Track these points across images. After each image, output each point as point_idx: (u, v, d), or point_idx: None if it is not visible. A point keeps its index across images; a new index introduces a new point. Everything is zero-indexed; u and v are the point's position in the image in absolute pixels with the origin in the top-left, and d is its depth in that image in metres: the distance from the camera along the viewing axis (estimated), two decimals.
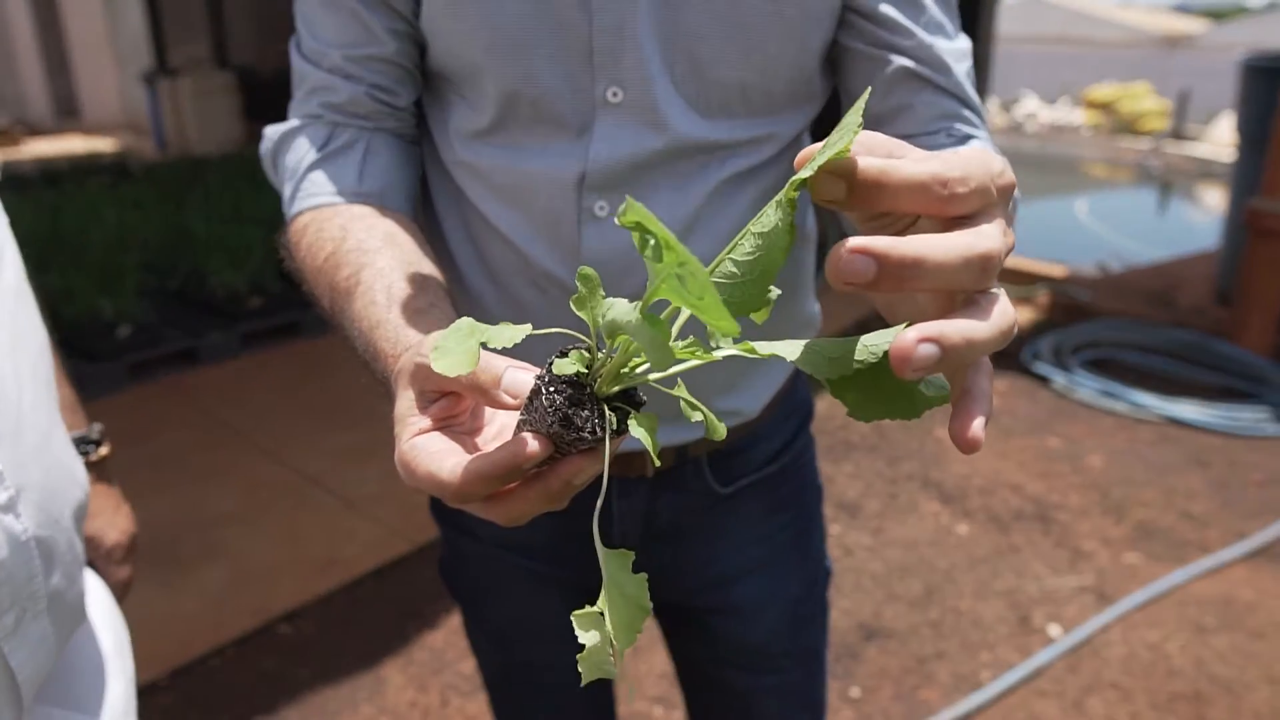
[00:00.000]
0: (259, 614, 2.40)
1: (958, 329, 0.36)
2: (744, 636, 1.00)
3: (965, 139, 0.80)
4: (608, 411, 0.44)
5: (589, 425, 0.44)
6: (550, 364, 0.45)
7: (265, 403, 3.63)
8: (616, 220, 0.37)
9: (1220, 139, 10.81)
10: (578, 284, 0.44)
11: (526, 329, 0.45)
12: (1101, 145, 11.75)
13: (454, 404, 0.52)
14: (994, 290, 0.39)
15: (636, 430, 0.43)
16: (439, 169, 0.88)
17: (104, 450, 0.94)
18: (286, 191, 0.82)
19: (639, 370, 0.44)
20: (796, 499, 1.03)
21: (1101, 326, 4.32)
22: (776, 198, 0.40)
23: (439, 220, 0.89)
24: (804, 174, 0.38)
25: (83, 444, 0.92)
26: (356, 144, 0.82)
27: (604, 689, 1.13)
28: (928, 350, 0.36)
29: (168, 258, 4.57)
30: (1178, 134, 11.73)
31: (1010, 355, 4.10)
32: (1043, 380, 3.91)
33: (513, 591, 1.00)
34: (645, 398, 0.46)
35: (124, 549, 0.97)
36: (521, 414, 0.46)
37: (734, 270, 0.40)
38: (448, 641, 2.33)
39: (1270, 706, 2.10)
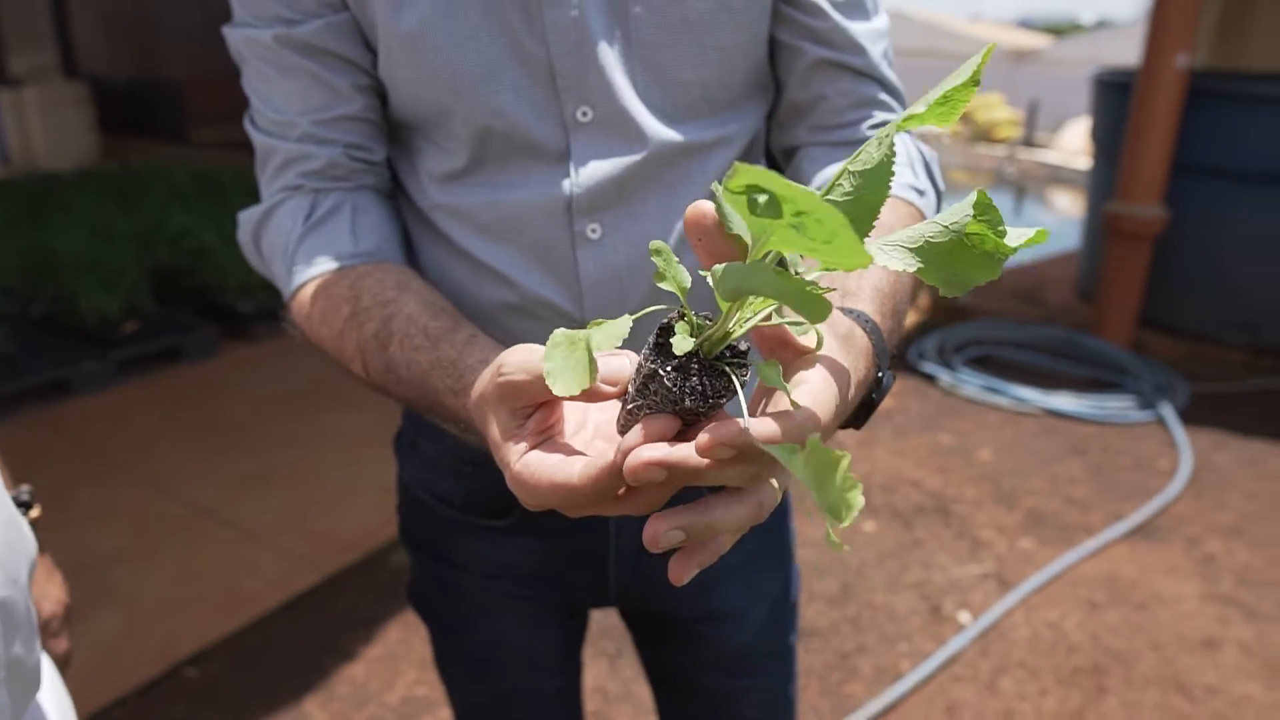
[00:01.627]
0: (161, 659, 2.27)
1: (708, 522, 0.44)
2: (729, 641, 1.01)
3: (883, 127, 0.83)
4: (727, 370, 0.45)
5: (721, 390, 0.44)
6: (657, 344, 0.45)
7: (149, 433, 3.43)
8: (722, 188, 0.37)
9: (1068, 146, 11.57)
10: (653, 260, 0.46)
11: (628, 321, 0.45)
12: (961, 152, 12.39)
13: (548, 415, 0.52)
14: (772, 481, 0.46)
15: (773, 379, 0.43)
16: (415, 216, 0.86)
17: (35, 513, 0.88)
18: (279, 270, 0.80)
19: (745, 326, 0.45)
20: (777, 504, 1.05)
21: (980, 325, 4.55)
22: (877, 135, 0.41)
23: (421, 268, 0.88)
24: (916, 109, 0.40)
25: (15, 505, 0.85)
26: (342, 207, 0.80)
27: (579, 714, 1.12)
28: (673, 537, 0.43)
29: (28, 282, 4.26)
30: (1029, 141, 12.47)
31: (898, 355, 4.28)
32: (930, 379, 4.09)
33: (499, 620, 0.99)
34: (746, 345, 0.46)
35: (60, 620, 0.91)
36: (631, 401, 0.46)
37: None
38: (370, 672, 2.26)
39: (1157, 672, 2.26)
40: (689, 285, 0.47)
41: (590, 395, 0.47)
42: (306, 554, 2.69)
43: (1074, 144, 11.37)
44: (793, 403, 0.44)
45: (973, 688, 2.21)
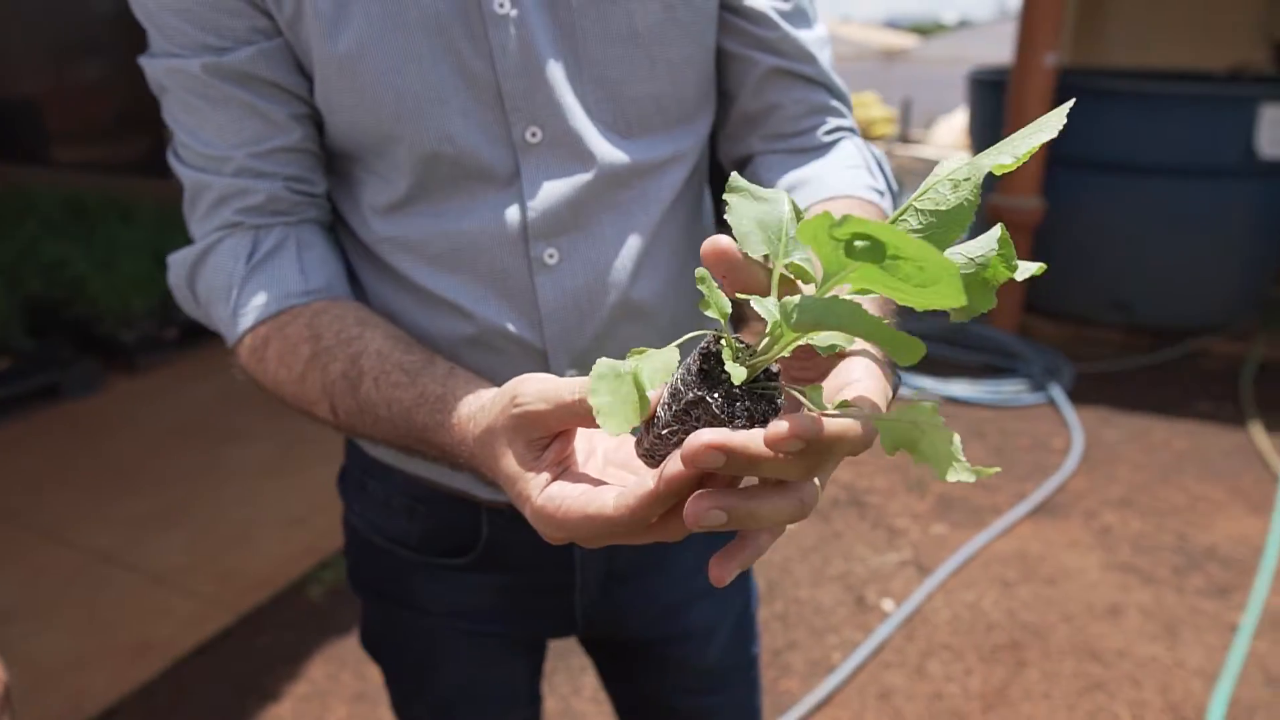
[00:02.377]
0: (69, 718, 2.13)
1: (750, 510, 0.42)
2: (699, 660, 1.01)
3: (835, 133, 0.85)
4: (768, 393, 0.44)
5: (766, 413, 0.44)
6: (702, 370, 0.44)
7: (33, 477, 3.21)
8: (832, 235, 0.37)
9: (942, 141, 12.06)
10: (699, 288, 0.45)
11: (674, 351, 0.45)
12: None
13: (565, 446, 0.50)
14: (814, 480, 0.45)
15: (819, 402, 0.43)
16: (359, 250, 0.83)
17: None
18: (220, 314, 0.76)
19: (788, 351, 0.44)
20: None
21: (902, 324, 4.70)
22: (951, 176, 0.41)
23: (367, 303, 0.84)
24: (1002, 160, 0.41)
25: None
26: (287, 243, 0.76)
27: None
28: (715, 517, 0.42)
29: None
30: (904, 138, 12.94)
31: None
32: None
33: (463, 659, 0.96)
34: (778, 367, 0.46)
35: (0, 701, 0.84)
36: (665, 426, 0.45)
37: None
38: (296, 712, 2.17)
39: (1070, 642, 2.38)
40: (729, 311, 0.46)
41: None
42: (217, 594, 2.57)
43: (947, 139, 11.86)
44: (844, 403, 0.44)
45: (902, 673, 2.28)
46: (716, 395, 0.43)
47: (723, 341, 0.44)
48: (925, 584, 2.62)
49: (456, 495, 0.89)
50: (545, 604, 0.95)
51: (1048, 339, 4.53)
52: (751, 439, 0.40)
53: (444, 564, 0.92)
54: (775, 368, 0.45)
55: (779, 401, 0.44)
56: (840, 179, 0.79)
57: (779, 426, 0.39)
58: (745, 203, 0.47)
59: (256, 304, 0.74)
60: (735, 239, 0.46)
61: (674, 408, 0.45)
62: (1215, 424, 3.64)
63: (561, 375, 0.83)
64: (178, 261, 0.78)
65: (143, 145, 5.77)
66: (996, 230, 0.43)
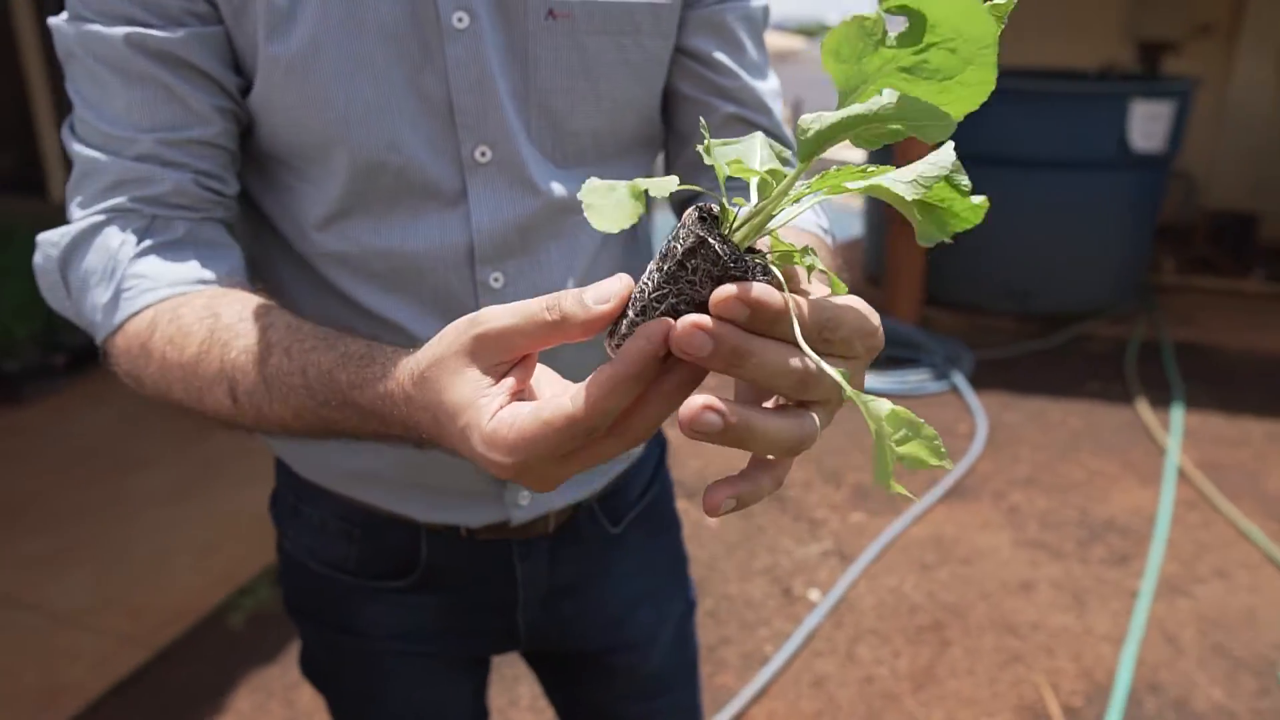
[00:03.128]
0: None
1: (748, 421, 0.39)
2: (642, 666, 1.02)
3: None
4: (759, 255, 0.42)
5: (763, 266, 0.41)
6: (701, 219, 0.41)
7: None
8: (883, 7, 0.36)
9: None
10: (702, 154, 0.43)
11: (675, 180, 0.42)
12: None
13: (525, 374, 0.47)
14: (813, 414, 0.42)
15: (815, 264, 0.42)
16: (294, 264, 0.79)
17: None
18: (96, 297, 0.67)
19: (781, 221, 0.43)
20: (670, 523, 1.06)
21: None
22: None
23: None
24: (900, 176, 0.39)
25: None
26: (187, 236, 0.70)
27: None
28: (709, 419, 0.38)
29: None
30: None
31: None
32: None
33: (408, 681, 0.95)
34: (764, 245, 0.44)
35: None
36: (650, 296, 0.41)
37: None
38: None
39: (989, 618, 2.48)
40: (728, 175, 0.44)
41: (587, 322, 0.42)
42: (129, 631, 2.45)
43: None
44: (837, 285, 0.44)
45: (833, 660, 2.34)
46: (717, 239, 0.40)
47: (718, 205, 0.42)
48: (849, 572, 2.69)
49: (395, 518, 0.88)
50: (488, 622, 0.94)
51: (947, 329, 4.71)
52: (769, 291, 0.38)
53: (384, 586, 0.91)
54: (761, 249, 0.44)
55: (774, 270, 0.41)
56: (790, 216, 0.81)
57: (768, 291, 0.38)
58: (721, 148, 0.46)
59: (145, 287, 0.66)
60: (713, 160, 0.44)
61: (665, 267, 0.41)
62: (1105, 402, 3.85)
63: None
64: (48, 242, 0.70)
65: (13, 161, 5.46)
66: (949, 151, 0.41)
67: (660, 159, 0.91)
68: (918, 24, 0.37)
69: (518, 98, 0.74)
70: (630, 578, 0.99)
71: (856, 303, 0.44)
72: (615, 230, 0.41)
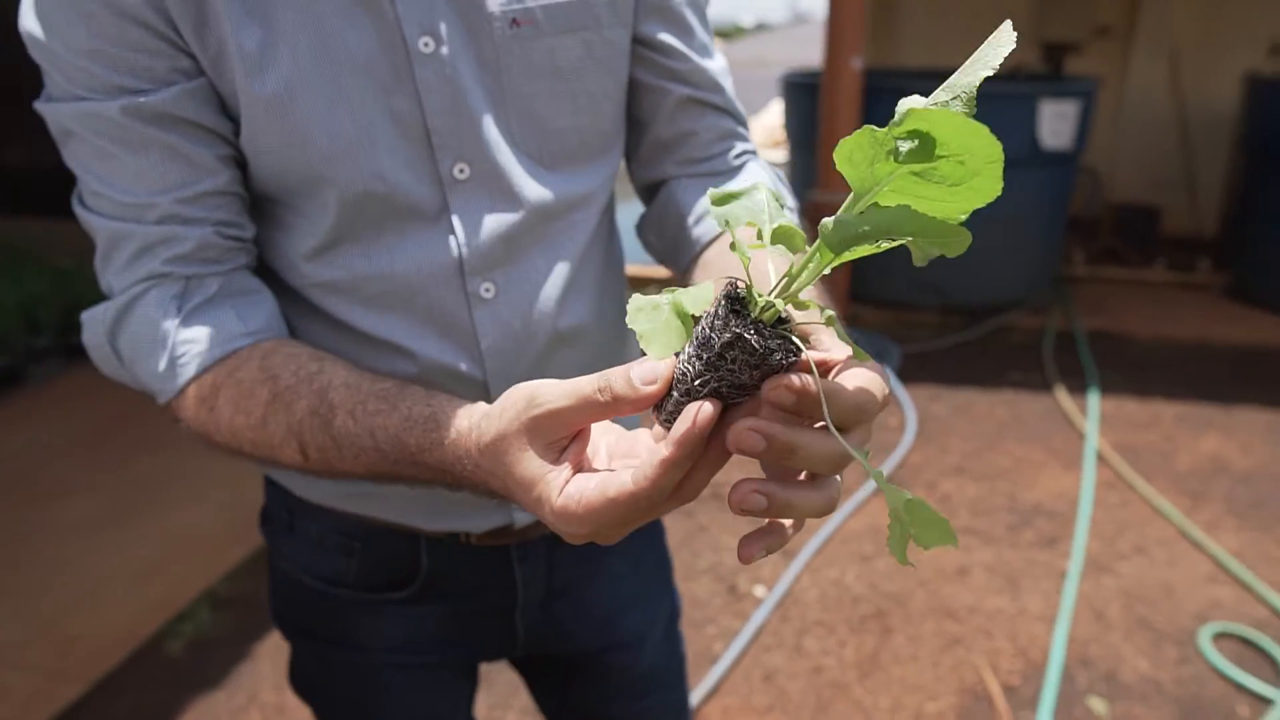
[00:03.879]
0: None
1: (789, 499, 0.46)
2: (634, 666, 1.04)
3: (742, 156, 0.90)
4: (788, 334, 0.46)
5: (795, 348, 0.45)
6: (733, 311, 0.45)
7: None
8: (892, 134, 0.40)
9: (753, 140, 12.57)
10: (722, 225, 0.48)
11: (710, 286, 0.46)
12: None
13: (582, 446, 0.51)
14: (835, 478, 0.49)
15: (840, 329, 0.47)
16: (287, 296, 0.80)
17: None
18: (151, 367, 0.71)
19: (794, 289, 0.47)
20: (655, 525, 1.09)
21: None
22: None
23: None
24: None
25: None
26: (221, 290, 0.73)
27: None
28: (756, 500, 0.45)
29: None
30: None
31: None
32: None
33: (405, 692, 0.95)
34: (788, 313, 0.48)
35: None
36: (691, 381, 0.46)
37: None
38: None
39: (928, 605, 2.57)
40: (751, 259, 0.49)
41: (635, 402, 0.47)
42: (63, 665, 2.36)
43: (758, 138, 12.37)
44: (857, 351, 0.49)
45: (782, 654, 2.39)
46: (753, 332, 0.44)
47: (745, 285, 0.46)
48: (792, 566, 2.75)
49: (395, 528, 0.89)
50: (487, 628, 0.96)
51: (874, 325, 4.84)
52: (795, 430, 0.44)
53: (384, 599, 0.92)
54: (785, 314, 0.48)
55: (797, 342, 0.46)
56: None
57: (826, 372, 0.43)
58: (728, 204, 0.50)
59: (197, 351, 0.70)
60: (720, 223, 0.49)
61: (705, 357, 0.45)
62: (1026, 391, 4.00)
63: None
64: (95, 318, 0.73)
65: None
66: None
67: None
68: (928, 144, 0.40)
69: (496, 109, 0.76)
70: (622, 578, 1.02)
71: (869, 374, 0.49)
72: (669, 355, 0.46)
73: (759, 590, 2.66)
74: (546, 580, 0.95)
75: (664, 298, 0.46)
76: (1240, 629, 2.43)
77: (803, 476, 0.49)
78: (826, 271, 0.46)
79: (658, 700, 1.09)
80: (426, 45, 0.71)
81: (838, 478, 0.49)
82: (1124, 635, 2.43)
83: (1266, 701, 2.17)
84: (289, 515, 0.93)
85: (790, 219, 0.85)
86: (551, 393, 0.49)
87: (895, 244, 0.44)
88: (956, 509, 3.06)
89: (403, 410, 0.61)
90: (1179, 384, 4.07)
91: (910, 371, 4.21)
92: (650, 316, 0.45)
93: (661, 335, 0.45)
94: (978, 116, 0.40)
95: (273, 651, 2.39)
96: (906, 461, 3.39)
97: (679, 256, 0.87)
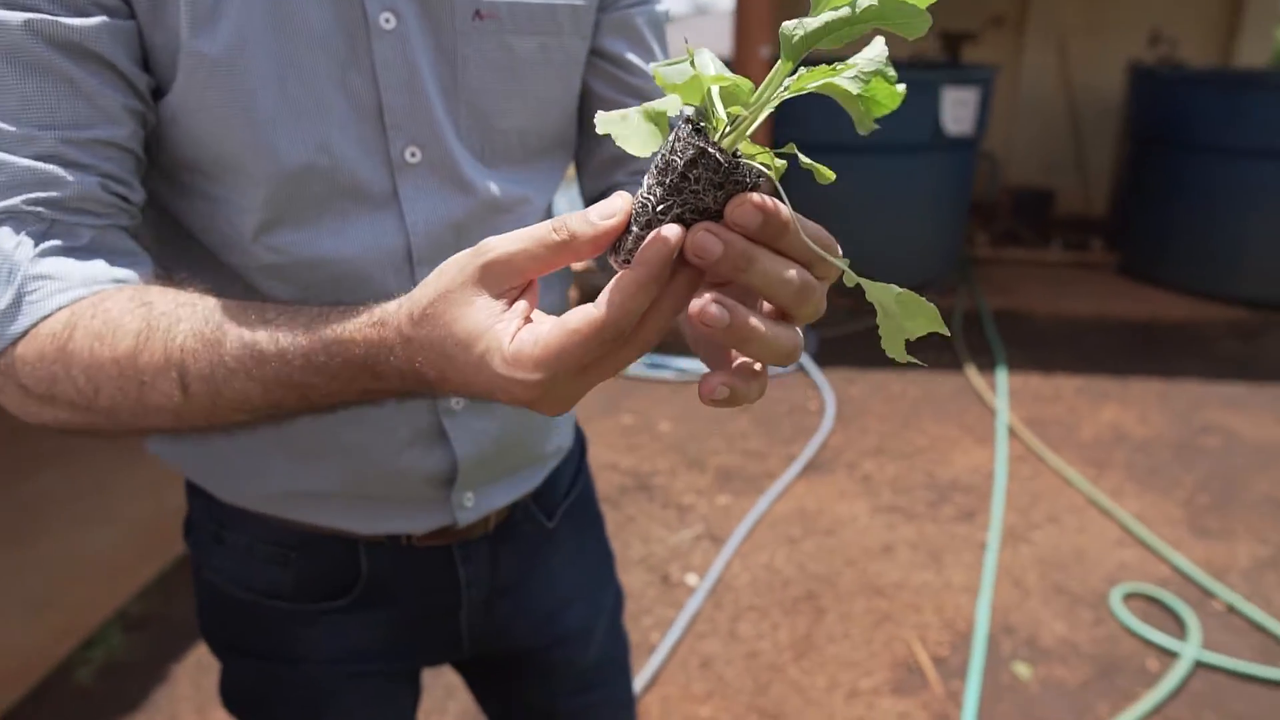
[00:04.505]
0: None
1: (748, 319, 0.43)
2: (580, 660, 1.03)
3: None
4: (745, 159, 0.44)
5: (749, 172, 0.43)
6: (696, 130, 0.43)
7: None
8: None
9: None
10: (692, 65, 0.44)
11: (676, 97, 0.44)
12: None
13: (532, 298, 0.48)
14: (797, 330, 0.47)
15: (804, 158, 0.46)
16: (223, 277, 0.74)
17: None
18: None
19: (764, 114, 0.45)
20: (595, 517, 1.08)
21: None
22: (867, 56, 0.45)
23: None
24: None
25: None
26: (92, 243, 0.63)
27: None
28: (717, 312, 0.42)
29: None
30: None
31: None
32: None
33: (349, 704, 0.92)
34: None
35: None
36: (655, 207, 0.44)
37: None
38: None
39: (857, 583, 2.62)
40: (711, 77, 0.45)
41: (594, 238, 0.44)
42: None
43: None
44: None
45: (717, 640, 2.40)
46: (716, 149, 0.43)
47: (707, 110, 0.44)
48: (722, 553, 2.76)
49: (332, 534, 0.85)
50: (431, 632, 0.93)
51: None
52: (778, 207, 0.42)
53: (322, 608, 0.88)
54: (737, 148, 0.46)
55: (769, 174, 0.45)
56: None
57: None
58: (665, 68, 0.48)
59: (53, 289, 0.59)
60: (662, 82, 0.46)
61: (667, 180, 0.43)
62: (939, 371, 4.12)
63: (448, 403, 0.82)
64: None
65: None
66: (880, 45, 0.45)
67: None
68: None
69: (447, 97, 0.74)
70: (564, 571, 1.00)
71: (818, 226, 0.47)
72: (649, 154, 0.43)
73: (691, 578, 2.67)
74: (490, 579, 0.93)
75: (632, 110, 0.44)
76: (1147, 588, 2.55)
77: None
78: (784, 91, 0.44)
79: (605, 694, 1.07)
80: (387, 21, 0.69)
81: (799, 331, 0.47)
82: (1042, 601, 2.52)
83: (1173, 655, 2.28)
84: (216, 525, 0.88)
85: None
86: (501, 239, 0.46)
87: (856, 33, 0.43)
88: (879, 488, 3.13)
89: (311, 310, 0.56)
90: (1079, 358, 4.24)
91: (827, 356, 4.29)
92: (621, 123, 0.43)
93: (636, 134, 0.43)
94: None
95: (192, 671, 2.29)
96: (828, 444, 3.45)
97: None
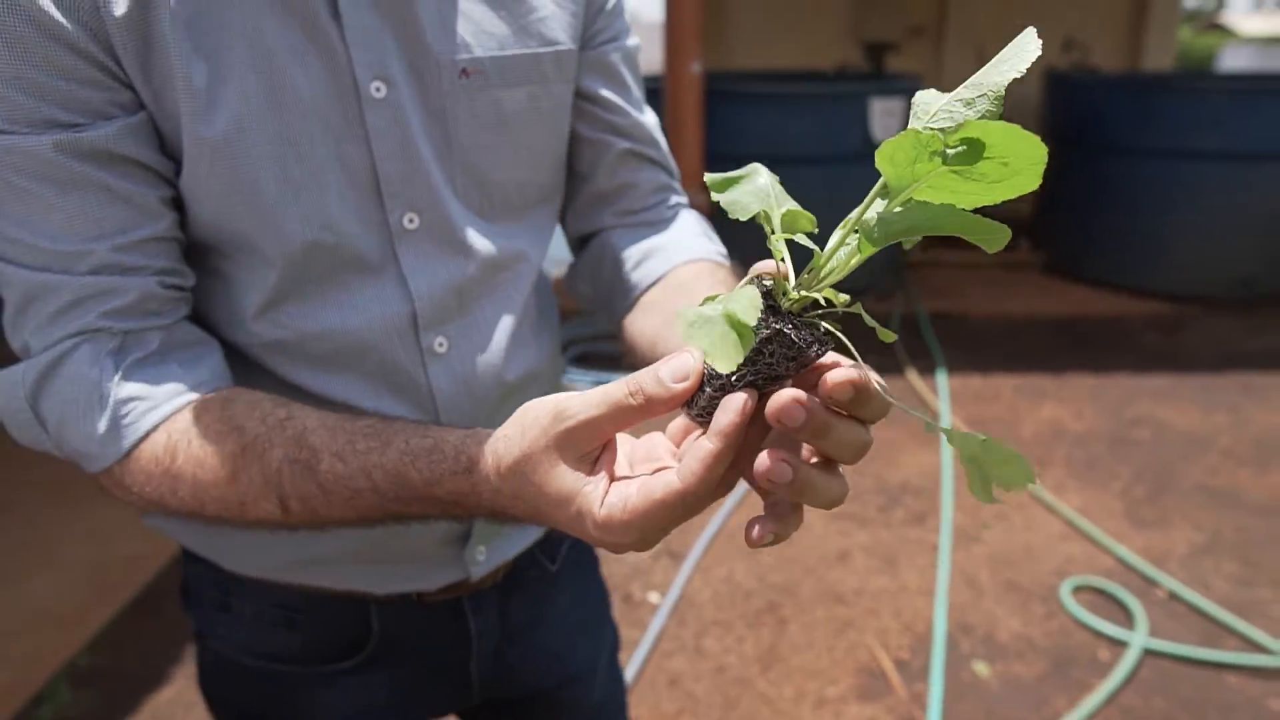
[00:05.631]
0: None
1: (810, 476, 0.46)
2: (586, 698, 1.03)
3: (675, 207, 0.92)
4: (821, 323, 0.47)
5: (827, 337, 0.46)
6: (769, 308, 0.45)
7: None
8: (946, 140, 0.40)
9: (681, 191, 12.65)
10: (764, 225, 0.47)
11: (754, 288, 0.45)
12: None
13: (612, 455, 0.50)
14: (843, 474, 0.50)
15: (859, 309, 0.47)
16: (228, 356, 0.74)
17: None
18: (88, 429, 0.63)
19: (824, 281, 0.47)
20: (592, 555, 1.08)
21: (571, 327, 4.86)
22: (961, 98, 0.45)
23: None
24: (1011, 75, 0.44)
25: None
26: (163, 346, 0.66)
27: None
28: (783, 470, 0.44)
29: None
30: None
31: None
32: None
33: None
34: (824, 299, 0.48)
35: None
36: (725, 377, 0.46)
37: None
38: None
39: (816, 590, 2.66)
40: (784, 255, 0.49)
41: (666, 401, 0.46)
42: None
43: None
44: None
45: (683, 657, 2.41)
46: (791, 327, 0.45)
47: (773, 281, 0.47)
48: (682, 569, 2.78)
49: (344, 595, 0.85)
50: (442, 683, 0.93)
51: None
52: (857, 371, 0.44)
53: (332, 670, 0.87)
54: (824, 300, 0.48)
55: (824, 330, 0.47)
56: (692, 245, 0.86)
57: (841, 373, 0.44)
58: (731, 189, 0.50)
59: (145, 408, 0.63)
60: (728, 211, 0.49)
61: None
62: (882, 374, 4.16)
63: None
64: (11, 380, 0.65)
65: None
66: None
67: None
68: (976, 148, 0.41)
69: (441, 158, 0.74)
70: (568, 612, 1.01)
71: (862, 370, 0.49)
72: (732, 367, 0.43)
73: (653, 596, 2.68)
74: (500, 627, 0.93)
75: (713, 309, 0.45)
76: (1094, 580, 2.64)
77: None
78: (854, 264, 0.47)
79: None
80: (378, 90, 0.69)
81: (843, 475, 0.49)
82: (996, 599, 2.59)
83: (1122, 644, 2.36)
84: (220, 594, 0.87)
85: (726, 265, 0.87)
86: (579, 403, 0.48)
87: (938, 232, 0.45)
88: None
89: (398, 445, 0.58)
90: (1014, 357, 4.38)
91: None
92: (706, 331, 0.44)
93: (721, 348, 0.44)
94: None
95: None
96: None
97: (614, 303, 0.87)
